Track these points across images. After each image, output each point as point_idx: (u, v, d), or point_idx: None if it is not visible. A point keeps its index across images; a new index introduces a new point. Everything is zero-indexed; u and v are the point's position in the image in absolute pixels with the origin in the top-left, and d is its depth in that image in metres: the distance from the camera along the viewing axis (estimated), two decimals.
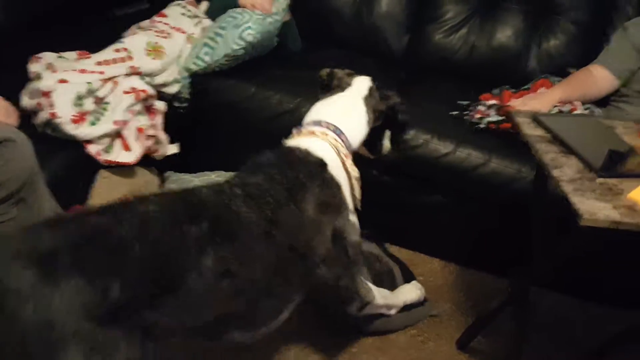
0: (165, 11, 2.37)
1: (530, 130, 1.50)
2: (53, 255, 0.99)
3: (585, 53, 2.47)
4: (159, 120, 2.13)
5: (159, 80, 2.14)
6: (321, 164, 1.39)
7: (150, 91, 2.03)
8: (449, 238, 2.27)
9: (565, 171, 1.32)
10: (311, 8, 2.70)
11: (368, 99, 1.57)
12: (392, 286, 1.93)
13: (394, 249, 2.31)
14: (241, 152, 1.41)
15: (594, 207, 1.18)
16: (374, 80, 1.64)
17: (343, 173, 1.45)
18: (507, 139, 2.05)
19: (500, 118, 2.11)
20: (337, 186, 1.42)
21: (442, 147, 2.09)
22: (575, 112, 2.15)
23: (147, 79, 2.09)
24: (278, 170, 1.35)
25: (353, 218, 1.50)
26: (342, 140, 1.48)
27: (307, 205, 1.33)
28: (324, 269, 1.39)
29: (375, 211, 2.28)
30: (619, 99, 2.25)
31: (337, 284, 1.48)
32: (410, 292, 1.93)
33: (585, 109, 2.21)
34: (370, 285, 1.65)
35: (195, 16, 2.37)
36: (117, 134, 1.96)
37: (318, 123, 1.48)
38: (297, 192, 1.32)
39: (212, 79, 2.24)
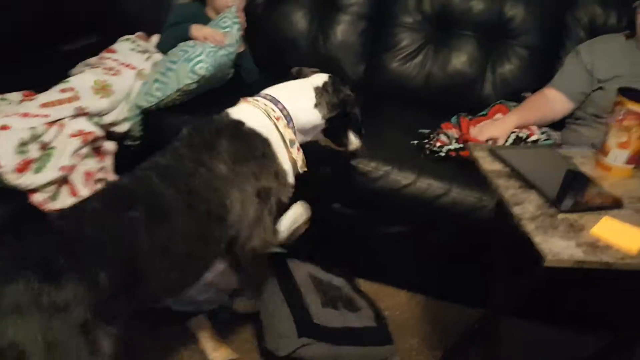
0: (114, 46, 2.30)
1: (488, 164, 1.48)
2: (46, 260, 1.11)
3: (539, 76, 2.49)
4: (108, 161, 2.05)
5: (107, 119, 2.06)
6: (235, 121, 1.49)
7: (98, 132, 1.96)
8: (415, 269, 2.25)
9: (526, 207, 1.29)
10: (267, 38, 2.66)
11: (320, 89, 1.70)
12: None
13: (358, 282, 2.27)
14: None
15: (557, 246, 1.15)
16: (335, 78, 1.79)
17: (274, 133, 1.54)
18: (467, 167, 2.03)
19: (459, 146, 2.09)
20: (259, 140, 1.49)
21: (402, 178, 2.06)
22: (533, 136, 2.16)
23: (96, 118, 2.01)
24: (187, 139, 1.47)
25: (290, 179, 1.59)
26: (280, 109, 1.58)
27: (218, 162, 1.41)
28: (238, 230, 1.45)
29: (339, 244, 2.28)
30: (574, 122, 2.27)
31: (250, 246, 1.51)
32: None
33: (542, 133, 2.22)
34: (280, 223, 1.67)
35: (146, 51, 2.30)
36: (64, 180, 1.87)
37: (261, 95, 1.62)
38: (205, 153, 1.41)
39: (165, 114, 2.17)
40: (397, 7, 2.60)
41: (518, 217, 1.25)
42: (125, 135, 2.19)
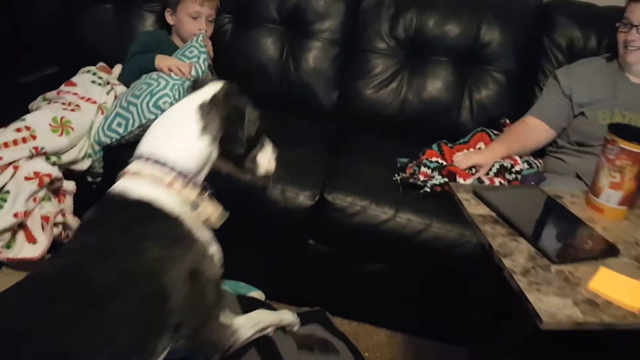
0: (75, 79, 2.17)
1: (473, 208, 1.39)
2: None
3: (517, 102, 2.45)
4: (68, 202, 1.92)
5: (66, 158, 1.93)
6: (138, 201, 1.26)
7: (56, 174, 1.83)
8: (394, 306, 2.15)
9: (517, 259, 1.21)
10: (235, 66, 2.56)
11: (207, 105, 1.35)
12: None
13: (336, 321, 2.15)
14: None
15: (552, 305, 1.07)
16: (229, 85, 1.45)
17: (177, 205, 1.28)
18: (447, 200, 1.94)
19: (444, 180, 2.01)
20: (171, 220, 1.26)
21: (381, 213, 1.97)
22: (517, 166, 2.10)
23: (53, 158, 1.88)
24: (109, 225, 1.24)
25: (212, 249, 1.34)
26: (169, 168, 1.30)
27: (146, 244, 1.20)
28: (179, 316, 1.23)
29: (314, 281, 2.17)
30: (557, 150, 2.21)
31: (197, 335, 1.31)
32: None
33: (524, 162, 2.16)
34: (236, 320, 1.46)
35: (107, 83, 2.18)
36: (19, 226, 1.74)
37: (139, 157, 1.34)
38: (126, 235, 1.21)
39: (127, 150, 2.02)
40: (369, 32, 2.53)
41: (510, 272, 1.16)
42: (87, 171, 2.06)
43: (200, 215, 1.33)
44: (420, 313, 2.13)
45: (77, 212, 2.00)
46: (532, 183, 2.05)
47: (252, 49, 2.56)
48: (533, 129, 2.19)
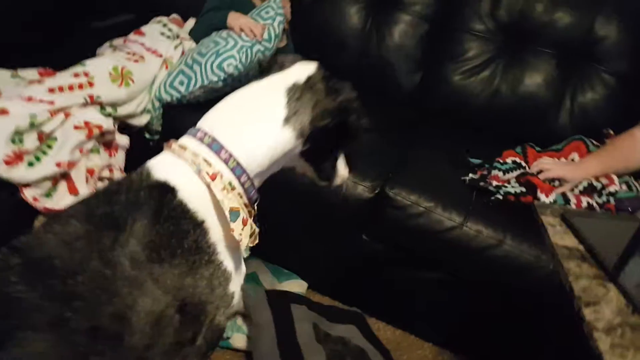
0: (144, 28, 2.06)
1: (558, 237, 1.15)
2: None
3: (627, 112, 2.11)
4: (119, 157, 1.83)
5: (123, 111, 1.83)
6: (162, 186, 0.96)
7: (108, 126, 1.73)
8: (447, 321, 1.93)
9: (602, 311, 0.97)
10: (314, 33, 2.38)
11: (298, 88, 1.05)
12: None
13: (380, 325, 1.99)
14: None
15: None
16: (324, 67, 1.13)
17: (211, 206, 0.99)
18: (526, 215, 1.70)
19: (521, 190, 1.76)
20: (192, 223, 0.95)
21: (447, 219, 1.75)
22: (611, 187, 1.81)
23: (109, 109, 1.79)
24: (86, 207, 0.94)
25: (234, 285, 1.02)
26: (222, 158, 1.00)
27: (124, 252, 0.89)
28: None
29: (364, 280, 1.99)
30: None
31: None
32: None
33: (622, 182, 1.86)
34: None
35: (177, 36, 2.05)
36: (62, 176, 1.66)
37: (194, 132, 1.04)
38: (106, 235, 0.90)
39: (186, 111, 1.93)
40: (466, 10, 2.26)
41: (590, 326, 0.94)
42: (145, 128, 1.96)
43: (234, 230, 0.99)
44: (475, 334, 1.91)
45: (129, 169, 1.91)
46: (629, 209, 1.77)
47: (332, 16, 2.37)
48: None
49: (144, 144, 2.02)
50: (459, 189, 1.83)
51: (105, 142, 1.77)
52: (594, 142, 2.01)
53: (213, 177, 0.98)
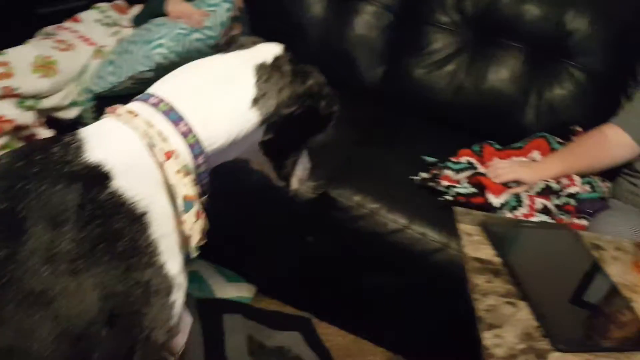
0: (81, 14, 1.95)
1: (472, 248, 1.03)
2: None
3: (596, 108, 1.99)
4: None
5: (47, 103, 1.73)
6: (93, 170, 0.78)
7: (24, 120, 1.62)
8: (400, 326, 1.81)
9: (505, 335, 0.85)
10: (272, 22, 2.25)
11: (266, 69, 0.95)
12: None
13: (331, 331, 1.88)
14: None
15: None
16: (289, 50, 1.05)
17: (158, 193, 0.82)
18: None
19: (472, 190, 1.64)
20: (130, 218, 0.79)
21: (391, 221, 1.63)
22: (571, 187, 1.69)
23: (30, 101, 1.68)
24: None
25: (176, 293, 0.84)
26: (181, 131, 0.85)
27: (34, 249, 0.72)
28: None
29: (314, 283, 1.88)
30: (633, 174, 1.76)
31: None
32: None
33: (585, 183, 1.73)
34: None
35: (115, 24, 1.94)
36: None
37: (146, 97, 0.89)
38: (16, 232, 0.72)
39: (119, 103, 1.81)
40: (432, 2, 2.13)
41: (487, 352, 0.82)
42: (77, 121, 1.85)
43: (184, 223, 0.84)
44: (429, 339, 1.79)
45: None
46: (590, 211, 1.64)
47: (293, 3, 2.24)
48: (612, 143, 1.73)
49: None
50: (409, 190, 1.71)
51: (23, 137, 1.66)
52: (558, 140, 1.88)
53: (168, 156, 0.82)
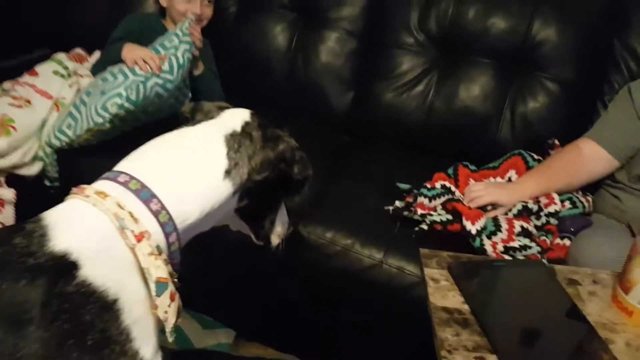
0: (38, 68, 1.91)
1: (438, 296, 0.97)
2: None
3: (572, 120, 1.96)
4: (7, 213, 1.68)
5: (7, 162, 1.68)
6: (59, 261, 0.74)
7: None
8: None
9: None
10: (238, 57, 2.22)
11: (236, 138, 0.94)
12: None
13: None
14: None
15: None
16: (257, 114, 1.03)
17: (130, 277, 0.79)
18: (455, 246, 1.52)
19: (448, 217, 1.59)
20: (99, 308, 0.75)
21: (366, 257, 1.58)
22: (550, 207, 1.64)
23: None
24: None
25: None
26: (151, 211, 0.82)
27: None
28: None
29: (294, 324, 1.81)
30: (615, 184, 1.71)
31: None
32: None
33: (566, 199, 1.69)
34: None
35: (75, 73, 1.89)
36: None
37: (114, 175, 0.86)
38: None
39: (81, 156, 1.76)
40: (395, 23, 2.09)
41: None
42: (43, 174, 1.81)
43: (158, 307, 0.80)
44: None
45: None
46: (571, 229, 1.59)
47: (256, 37, 2.20)
48: (588, 158, 1.70)
49: (45, 191, 1.86)
50: (383, 221, 1.65)
51: None
52: (535, 156, 1.83)
53: (139, 238, 0.79)
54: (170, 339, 0.83)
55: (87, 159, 1.76)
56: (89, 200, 0.80)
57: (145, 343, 0.80)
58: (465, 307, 0.95)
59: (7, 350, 0.69)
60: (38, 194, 1.84)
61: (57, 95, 1.81)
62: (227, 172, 0.91)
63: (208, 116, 1.01)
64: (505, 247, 1.49)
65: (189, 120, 1.02)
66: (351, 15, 2.14)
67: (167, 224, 0.83)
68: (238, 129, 0.95)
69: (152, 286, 0.79)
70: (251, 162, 0.94)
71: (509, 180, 1.77)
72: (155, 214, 0.82)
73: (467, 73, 2.02)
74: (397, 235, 1.61)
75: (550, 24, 1.95)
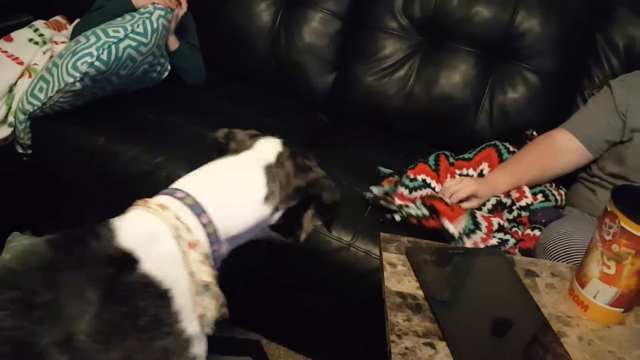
0: (14, 34, 1.87)
1: (393, 280, 0.97)
2: None
3: (550, 112, 1.96)
4: None
5: None
6: (123, 255, 0.87)
7: None
8: (351, 346, 1.75)
9: None
10: (220, 32, 2.19)
11: (273, 168, 1.07)
12: None
13: (281, 352, 1.83)
14: (100, 213, 0.95)
15: None
16: (287, 144, 1.14)
17: (181, 276, 0.91)
18: (426, 235, 1.52)
19: (423, 213, 1.57)
20: (153, 295, 0.87)
21: (334, 239, 1.57)
22: (522, 200, 1.65)
23: None
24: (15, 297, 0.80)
25: (198, 349, 0.93)
26: (202, 223, 0.95)
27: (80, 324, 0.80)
28: None
29: (262, 303, 1.82)
30: (591, 178, 1.72)
31: None
32: None
33: (538, 192, 1.69)
34: None
35: (51, 40, 1.86)
36: None
37: (172, 191, 0.98)
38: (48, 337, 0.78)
39: (55, 123, 1.75)
40: (379, 6, 2.07)
41: None
42: (15, 141, 1.78)
43: (202, 302, 0.92)
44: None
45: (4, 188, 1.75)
46: (542, 221, 1.60)
47: (239, 12, 2.17)
48: (561, 148, 1.69)
49: (17, 158, 1.83)
50: (355, 204, 1.64)
51: None
52: (510, 147, 1.83)
53: (191, 246, 0.92)
54: (210, 332, 0.96)
55: (60, 125, 1.74)
56: (150, 211, 0.93)
57: (190, 324, 0.91)
58: (420, 293, 0.95)
59: (69, 317, 0.80)
60: (9, 161, 1.81)
61: (28, 62, 1.78)
62: (266, 198, 1.04)
63: (242, 145, 1.13)
64: (485, 246, 1.49)
65: (221, 145, 1.15)
66: None
67: (212, 235, 0.96)
68: (273, 159, 1.08)
69: (199, 287, 0.92)
70: (285, 190, 1.07)
71: (481, 173, 1.77)
72: (204, 226, 0.95)
73: (448, 60, 2.02)
74: (367, 219, 1.60)
75: (534, 14, 1.95)
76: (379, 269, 1.48)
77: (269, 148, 1.11)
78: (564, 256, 1.32)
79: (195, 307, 0.92)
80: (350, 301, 1.63)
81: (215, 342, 1.71)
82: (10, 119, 1.74)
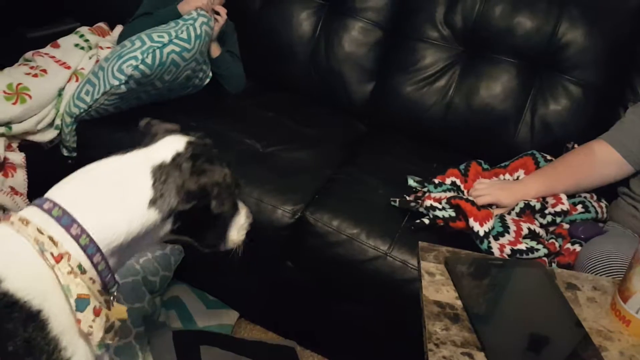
0: (60, 40, 1.95)
1: (432, 289, 0.96)
2: None
3: (593, 125, 1.90)
4: (18, 177, 1.70)
5: (19, 128, 1.72)
6: None
7: None
8: (383, 353, 1.74)
9: None
10: (262, 41, 2.22)
11: (164, 169, 0.98)
12: None
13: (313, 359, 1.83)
14: None
15: None
16: (195, 143, 1.05)
17: (53, 292, 0.85)
18: (461, 241, 1.50)
19: (452, 214, 1.57)
20: (22, 317, 0.81)
21: (370, 248, 1.57)
22: (557, 206, 1.61)
23: (3, 129, 1.66)
24: None
25: None
26: (72, 234, 0.88)
27: None
28: None
29: (297, 310, 1.82)
30: (634, 195, 1.67)
31: None
32: None
33: (578, 203, 1.65)
34: None
35: (96, 46, 1.92)
36: None
37: (42, 202, 0.91)
38: None
39: (100, 127, 1.80)
40: (420, 16, 2.07)
41: None
42: (62, 144, 1.84)
43: (81, 323, 0.85)
44: None
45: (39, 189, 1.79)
46: (582, 237, 1.56)
47: (281, 22, 2.20)
48: (600, 159, 1.65)
49: (61, 161, 1.89)
50: (391, 213, 1.64)
51: None
52: (548, 157, 1.80)
53: (58, 259, 0.85)
54: (98, 352, 0.90)
55: (105, 129, 1.79)
56: (12, 227, 0.87)
57: (76, 352, 0.86)
58: (458, 303, 0.94)
59: None
60: (54, 163, 1.86)
61: (75, 66, 1.84)
62: (153, 202, 0.95)
63: (152, 140, 1.05)
64: (512, 249, 1.46)
65: (143, 134, 1.09)
66: (377, 5, 2.13)
67: (88, 246, 0.88)
68: (168, 160, 0.99)
69: (72, 302, 0.85)
70: (179, 193, 0.97)
71: (517, 179, 1.75)
72: (76, 238, 0.88)
73: (489, 71, 2.00)
74: (404, 228, 1.60)
75: (577, 26, 1.92)
76: (415, 279, 1.49)
77: (167, 147, 1.02)
78: (604, 275, 1.29)
79: (81, 327, 0.85)
80: (386, 310, 1.62)
81: (248, 347, 1.73)
82: (57, 121, 1.79)
